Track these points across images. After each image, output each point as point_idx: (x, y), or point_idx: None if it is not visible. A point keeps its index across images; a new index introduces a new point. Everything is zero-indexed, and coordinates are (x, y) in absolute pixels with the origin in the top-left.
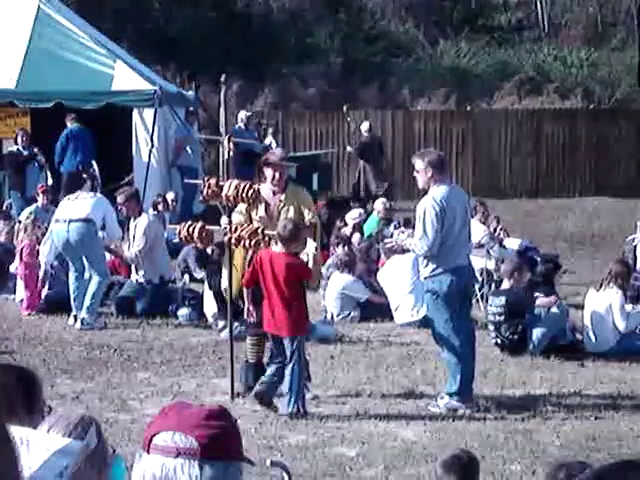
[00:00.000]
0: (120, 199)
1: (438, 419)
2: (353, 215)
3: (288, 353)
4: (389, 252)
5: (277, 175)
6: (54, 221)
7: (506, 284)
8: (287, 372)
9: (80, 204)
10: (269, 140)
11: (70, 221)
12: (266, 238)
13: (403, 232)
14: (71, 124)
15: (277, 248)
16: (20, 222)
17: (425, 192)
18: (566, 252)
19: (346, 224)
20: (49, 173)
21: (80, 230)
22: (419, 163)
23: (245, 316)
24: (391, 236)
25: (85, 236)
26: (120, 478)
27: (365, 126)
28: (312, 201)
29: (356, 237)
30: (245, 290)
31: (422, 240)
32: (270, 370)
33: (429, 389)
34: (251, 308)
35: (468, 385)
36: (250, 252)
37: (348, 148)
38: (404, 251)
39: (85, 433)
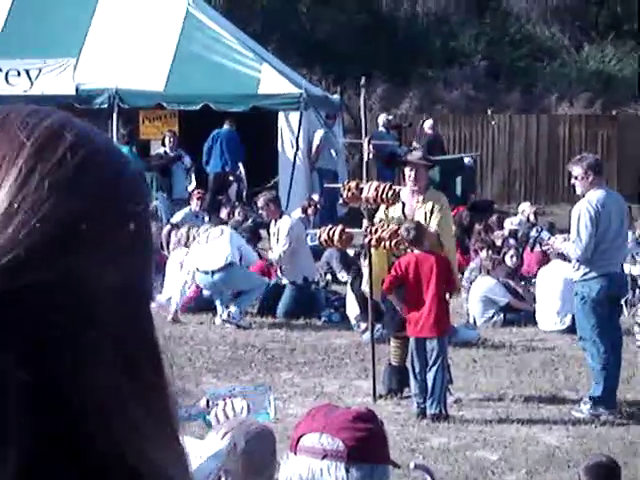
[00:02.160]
0: (260, 203)
1: (581, 424)
2: (513, 220)
3: (433, 355)
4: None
5: (413, 174)
6: (194, 270)
7: None
8: (431, 374)
9: (215, 250)
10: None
11: (213, 272)
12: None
13: (557, 238)
14: (228, 126)
15: (418, 250)
16: (170, 224)
17: (582, 196)
18: None
19: (491, 228)
20: (193, 175)
21: (225, 277)
22: (577, 169)
23: (398, 308)
24: (548, 239)
25: (232, 278)
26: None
27: (428, 124)
28: (447, 210)
29: (512, 242)
30: (388, 296)
31: (576, 243)
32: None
33: (572, 394)
34: (402, 308)
35: (612, 391)
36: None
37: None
38: (559, 255)
39: (257, 442)
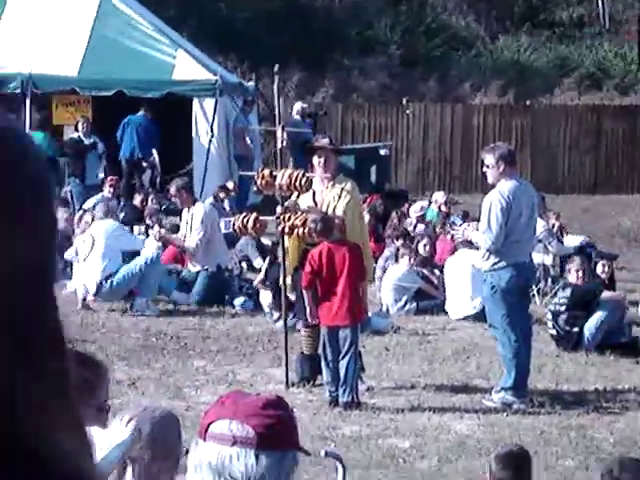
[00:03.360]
0: (172, 190)
1: (492, 413)
2: (416, 208)
3: (346, 344)
4: (461, 243)
5: (322, 160)
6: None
7: (573, 279)
8: (343, 363)
9: (93, 268)
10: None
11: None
12: None
13: (469, 225)
14: (142, 112)
15: (330, 240)
16: (82, 210)
17: (494, 186)
18: (623, 249)
19: (404, 216)
20: (104, 162)
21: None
22: (490, 158)
23: (308, 315)
24: (460, 226)
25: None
26: None
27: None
28: (355, 194)
29: (420, 228)
30: (305, 292)
31: (486, 234)
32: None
33: (484, 383)
34: (313, 310)
35: (523, 380)
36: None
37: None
38: (468, 243)
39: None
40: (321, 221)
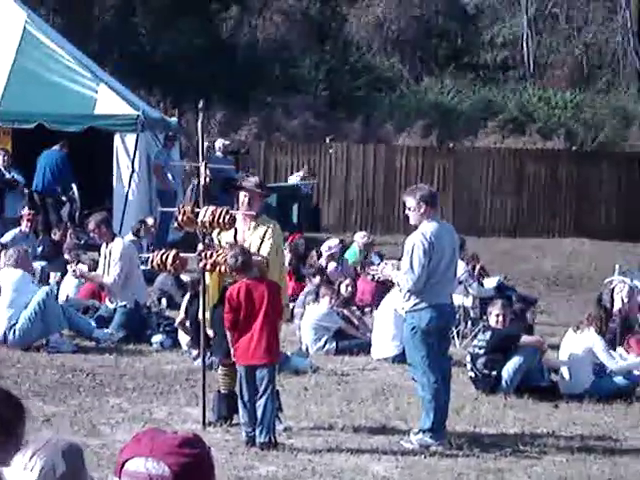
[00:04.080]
0: (91, 225)
1: (410, 455)
2: (329, 245)
3: (263, 383)
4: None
5: (247, 200)
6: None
7: (493, 322)
8: (261, 403)
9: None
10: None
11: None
12: None
13: (387, 264)
14: (58, 147)
15: (247, 277)
16: (0, 244)
17: (416, 227)
18: (543, 293)
19: (320, 255)
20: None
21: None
22: (411, 200)
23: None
24: (378, 265)
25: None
26: None
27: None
28: (278, 236)
29: (331, 267)
30: (229, 333)
31: (408, 274)
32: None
33: (402, 424)
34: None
35: (441, 422)
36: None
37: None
38: (388, 282)
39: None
40: (241, 256)
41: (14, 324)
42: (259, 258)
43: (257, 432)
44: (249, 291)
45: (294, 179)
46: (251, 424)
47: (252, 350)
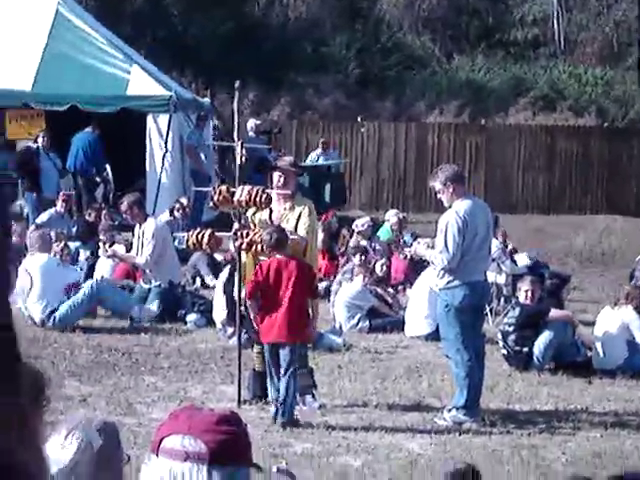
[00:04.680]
0: (123, 207)
1: (444, 432)
2: (359, 224)
3: (285, 362)
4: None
5: (282, 180)
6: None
7: (522, 298)
8: (282, 381)
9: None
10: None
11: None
12: None
13: (420, 243)
14: (90, 129)
15: (280, 255)
16: (35, 224)
17: (450, 206)
18: (576, 269)
19: (353, 234)
20: (69, 177)
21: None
22: (437, 184)
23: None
24: (410, 245)
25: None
26: None
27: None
28: (313, 217)
29: (362, 244)
30: (249, 302)
31: (443, 253)
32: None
33: (436, 402)
34: (258, 319)
35: (475, 399)
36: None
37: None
38: (421, 260)
39: (107, 436)
40: (276, 234)
41: (52, 311)
42: (296, 237)
43: (279, 411)
44: (279, 268)
45: (313, 156)
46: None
47: (276, 328)
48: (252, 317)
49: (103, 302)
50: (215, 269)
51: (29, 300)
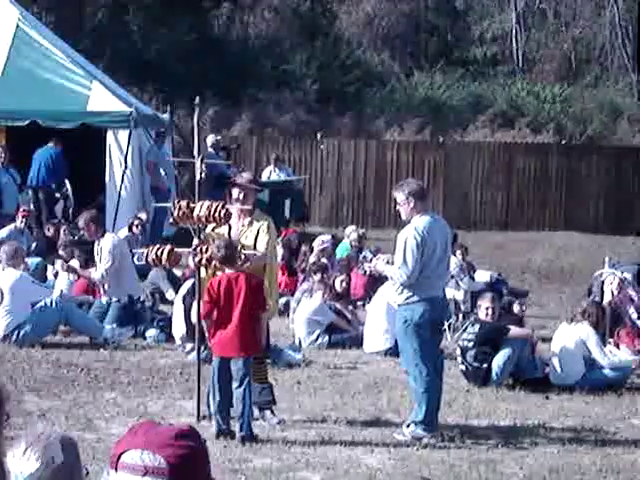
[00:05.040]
0: (80, 224)
1: (403, 447)
2: (319, 242)
3: (239, 374)
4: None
5: (241, 196)
6: None
7: (482, 315)
8: (238, 394)
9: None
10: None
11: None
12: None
13: (379, 258)
14: (52, 143)
15: (230, 270)
16: None
17: (408, 221)
18: (534, 285)
19: (312, 251)
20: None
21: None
22: (400, 195)
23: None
24: (370, 260)
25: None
26: None
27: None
28: (273, 233)
29: (324, 261)
30: (204, 322)
31: (402, 269)
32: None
33: (395, 417)
34: (211, 334)
35: (433, 414)
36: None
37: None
38: (381, 276)
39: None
40: (225, 248)
41: (18, 326)
42: (257, 254)
43: (237, 425)
44: (229, 283)
45: (267, 173)
46: (222, 415)
47: (228, 341)
48: (206, 333)
49: (71, 322)
50: (174, 284)
51: None
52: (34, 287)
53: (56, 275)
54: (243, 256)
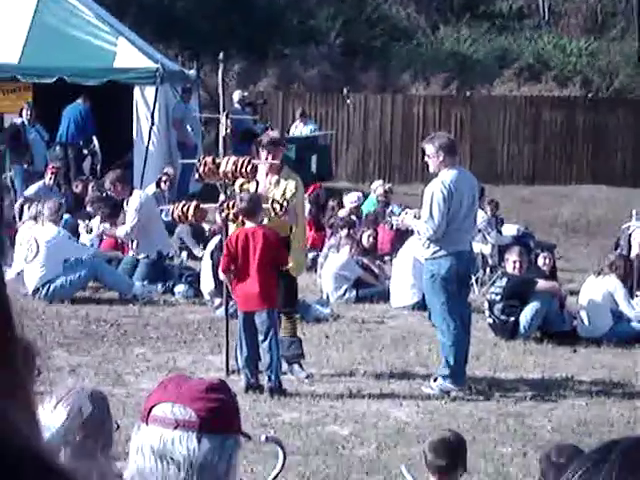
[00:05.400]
0: (106, 184)
1: (431, 400)
2: (351, 199)
3: (264, 327)
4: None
5: (270, 158)
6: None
7: (510, 269)
8: (264, 346)
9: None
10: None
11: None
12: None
13: (407, 213)
14: (81, 100)
15: (249, 224)
16: (24, 197)
17: (435, 175)
18: (561, 239)
19: (341, 206)
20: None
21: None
22: (430, 148)
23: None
24: (399, 215)
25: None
26: None
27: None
28: (300, 191)
29: (353, 218)
30: (223, 276)
31: (428, 223)
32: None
33: (422, 370)
34: (233, 289)
35: (461, 368)
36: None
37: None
38: (408, 231)
39: (97, 403)
40: (248, 201)
41: (48, 282)
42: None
43: (265, 377)
44: (247, 238)
45: (294, 128)
46: (250, 369)
47: (249, 295)
48: (229, 287)
49: (101, 278)
50: (201, 240)
51: (29, 268)
52: (71, 244)
53: (90, 231)
54: (279, 207)
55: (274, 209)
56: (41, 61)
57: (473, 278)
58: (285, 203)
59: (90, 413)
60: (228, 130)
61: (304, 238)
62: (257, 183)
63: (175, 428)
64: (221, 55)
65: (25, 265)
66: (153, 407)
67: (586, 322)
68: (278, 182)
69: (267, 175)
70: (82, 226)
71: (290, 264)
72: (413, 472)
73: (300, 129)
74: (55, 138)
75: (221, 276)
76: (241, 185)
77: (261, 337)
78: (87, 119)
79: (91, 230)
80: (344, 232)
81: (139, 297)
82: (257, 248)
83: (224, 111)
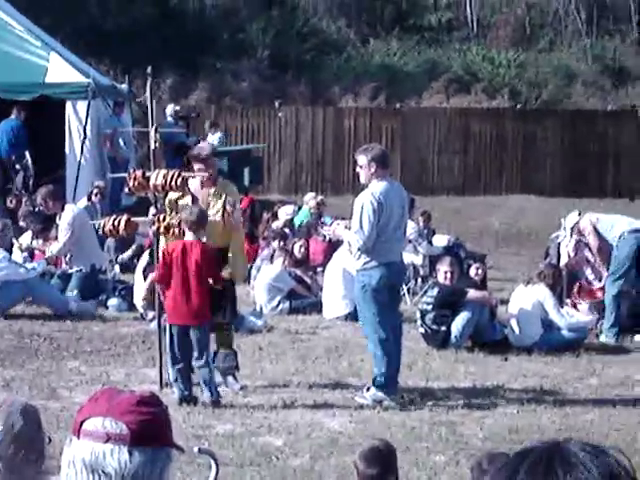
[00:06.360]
0: (38, 200)
1: (364, 410)
2: (287, 211)
3: (201, 343)
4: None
5: (202, 167)
6: None
7: (441, 279)
8: (201, 362)
9: None
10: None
11: None
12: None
13: (338, 224)
14: (14, 115)
15: (190, 237)
16: None
17: (366, 186)
18: (492, 249)
19: (275, 218)
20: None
21: None
22: (362, 158)
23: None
24: (330, 225)
25: None
26: None
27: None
28: (237, 196)
29: (287, 231)
30: (158, 286)
31: (358, 234)
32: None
33: (355, 380)
34: (165, 301)
35: (393, 377)
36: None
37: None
38: (340, 242)
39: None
40: (200, 213)
41: None
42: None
43: (206, 392)
44: (185, 251)
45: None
46: (184, 383)
47: (184, 311)
48: (162, 298)
49: (35, 297)
50: (121, 252)
51: None
52: (12, 267)
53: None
54: (229, 207)
55: (224, 209)
56: None
57: (405, 288)
58: (234, 203)
59: (21, 427)
60: (157, 144)
61: (244, 248)
62: (193, 197)
63: (106, 441)
64: (149, 69)
65: None
66: (84, 421)
67: (517, 331)
68: (216, 193)
69: (202, 188)
70: (16, 245)
71: (229, 270)
72: None
73: (209, 139)
74: None
75: (156, 286)
76: (176, 200)
77: (196, 354)
78: (20, 134)
79: (25, 248)
80: (277, 244)
81: (74, 314)
82: (194, 261)
83: (153, 125)
